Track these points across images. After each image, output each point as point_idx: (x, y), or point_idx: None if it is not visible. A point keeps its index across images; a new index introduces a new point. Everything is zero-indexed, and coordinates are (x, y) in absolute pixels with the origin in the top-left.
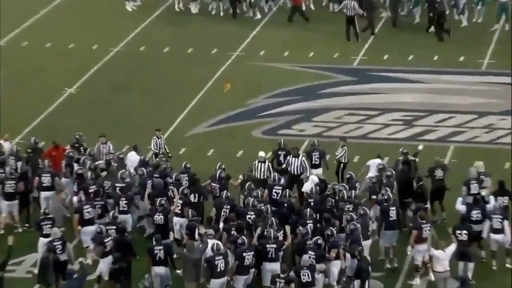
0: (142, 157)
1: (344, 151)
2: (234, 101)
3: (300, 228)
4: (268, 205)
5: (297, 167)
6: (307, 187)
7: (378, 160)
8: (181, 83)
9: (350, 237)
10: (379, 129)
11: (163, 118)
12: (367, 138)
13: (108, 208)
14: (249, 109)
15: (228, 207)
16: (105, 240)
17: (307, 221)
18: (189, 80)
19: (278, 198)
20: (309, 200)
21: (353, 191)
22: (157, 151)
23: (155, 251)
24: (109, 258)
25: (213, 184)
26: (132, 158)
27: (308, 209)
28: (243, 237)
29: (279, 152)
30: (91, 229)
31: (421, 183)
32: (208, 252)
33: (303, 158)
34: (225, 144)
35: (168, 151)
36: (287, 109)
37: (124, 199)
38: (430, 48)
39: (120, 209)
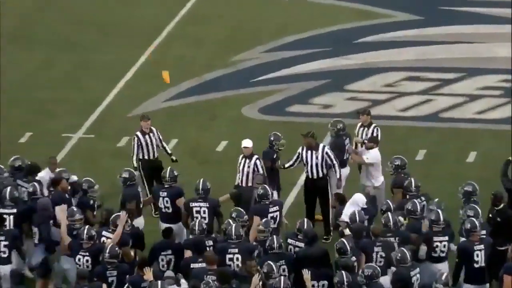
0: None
1: (377, 131)
2: (213, 57)
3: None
4: (275, 238)
5: (315, 165)
6: (347, 212)
7: (375, 154)
8: (122, 28)
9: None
10: (462, 103)
11: (90, 86)
12: (441, 120)
13: None
14: (238, 70)
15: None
16: None
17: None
18: (133, 24)
19: (275, 225)
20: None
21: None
22: (147, 158)
23: None
24: None
25: (194, 204)
26: (45, 175)
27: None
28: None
29: (274, 156)
30: None
31: (501, 206)
32: None
33: (327, 150)
34: (197, 129)
35: (170, 152)
36: (302, 70)
37: (3, 238)
38: None
39: None
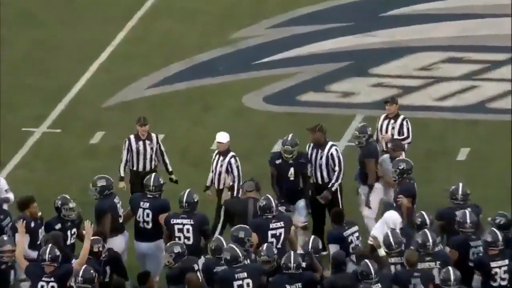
0: None
1: (407, 123)
2: (207, 34)
3: None
4: (293, 255)
5: (319, 167)
6: (377, 232)
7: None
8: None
9: None
10: None
11: (57, 70)
12: (488, 111)
13: None
14: (238, 50)
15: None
16: None
17: None
18: None
19: (279, 245)
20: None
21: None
22: (135, 169)
23: None
24: None
25: (176, 220)
26: None
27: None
28: None
29: (279, 161)
30: None
31: None
32: None
33: (333, 151)
34: (188, 123)
35: (170, 170)
36: (317, 50)
37: None
38: None
39: None
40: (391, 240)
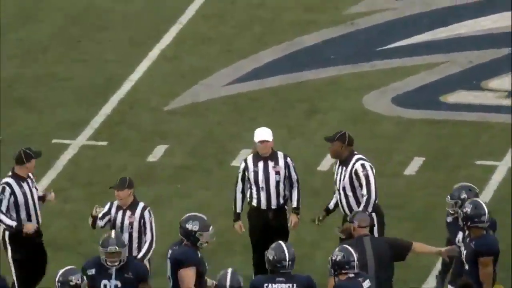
0: None
1: None
2: (311, 8)
3: None
4: None
5: (343, 190)
6: None
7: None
8: None
9: None
10: None
11: (96, 62)
12: None
13: None
14: (355, 30)
15: None
16: None
17: None
18: None
19: None
20: None
21: None
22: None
23: None
24: None
25: (272, 286)
26: None
27: None
28: None
29: (449, 219)
30: None
31: None
32: None
33: (358, 166)
34: (284, 133)
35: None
36: (471, 31)
37: None
38: None
39: None
40: None
